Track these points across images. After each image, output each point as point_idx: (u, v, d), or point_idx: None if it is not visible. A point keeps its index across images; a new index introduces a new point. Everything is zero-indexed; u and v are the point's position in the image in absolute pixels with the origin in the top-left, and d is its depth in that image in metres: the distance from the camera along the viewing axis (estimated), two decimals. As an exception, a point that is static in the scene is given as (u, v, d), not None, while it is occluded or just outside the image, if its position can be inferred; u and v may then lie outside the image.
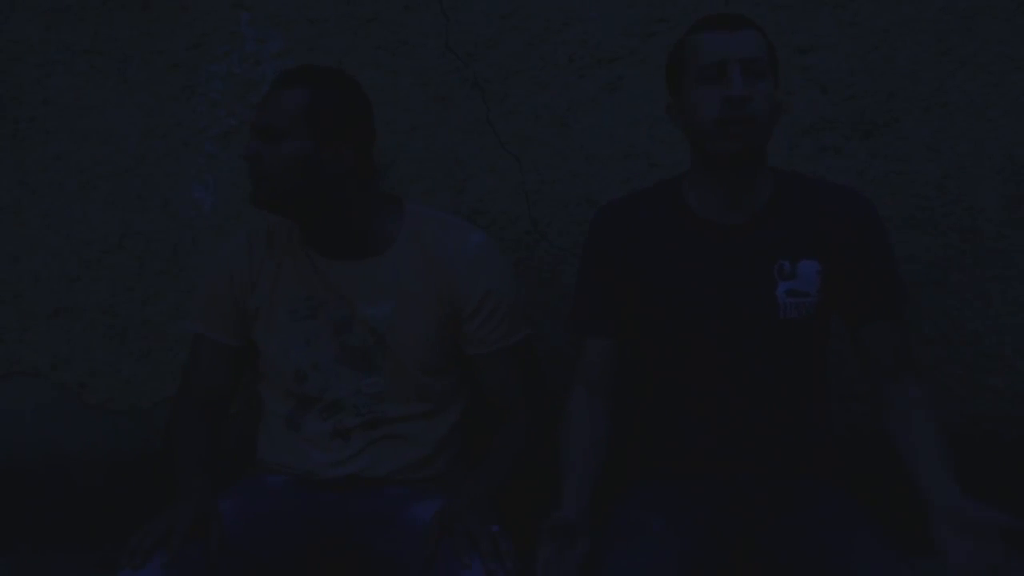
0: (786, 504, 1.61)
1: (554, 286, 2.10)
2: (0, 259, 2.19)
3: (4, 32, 2.16)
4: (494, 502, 1.64)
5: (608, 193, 2.07)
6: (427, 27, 2.09)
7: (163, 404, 2.17)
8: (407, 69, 2.09)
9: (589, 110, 2.07)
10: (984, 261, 2.01)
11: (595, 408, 1.69)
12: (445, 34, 2.09)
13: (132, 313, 2.17)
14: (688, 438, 1.67)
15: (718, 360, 1.64)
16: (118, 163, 2.16)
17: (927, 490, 1.47)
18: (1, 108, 2.17)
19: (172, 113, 2.15)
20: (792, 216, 1.62)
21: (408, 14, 2.09)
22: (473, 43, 2.08)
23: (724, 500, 1.63)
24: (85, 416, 2.19)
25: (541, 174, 2.09)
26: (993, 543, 1.36)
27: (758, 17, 2.00)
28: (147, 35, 2.14)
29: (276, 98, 1.68)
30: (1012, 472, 2.03)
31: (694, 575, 1.49)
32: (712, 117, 1.54)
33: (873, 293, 1.63)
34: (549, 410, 1.80)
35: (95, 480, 2.20)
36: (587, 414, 1.68)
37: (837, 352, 1.84)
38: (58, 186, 2.17)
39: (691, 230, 1.65)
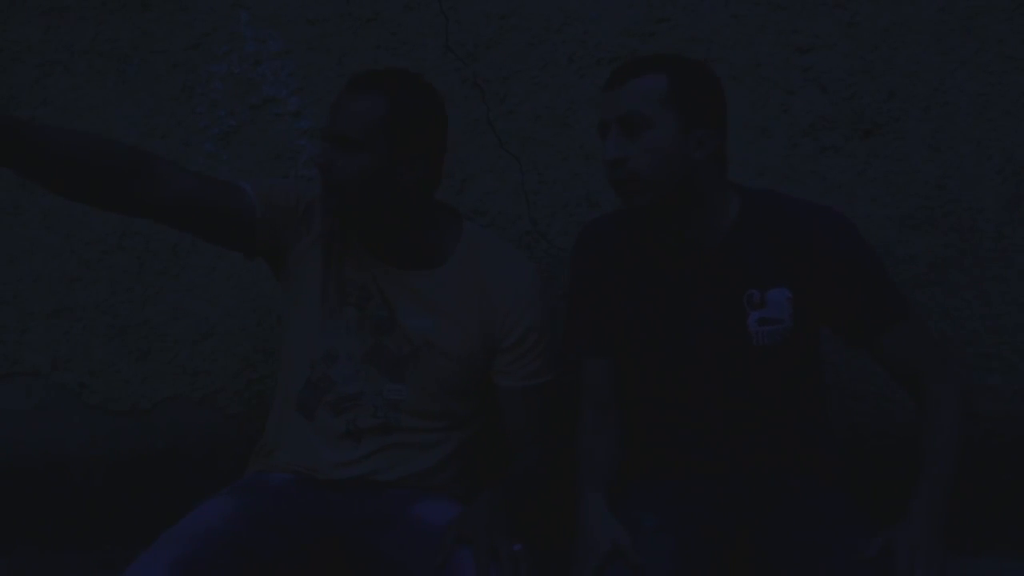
0: (779, 503, 1.62)
1: (554, 286, 2.09)
2: (0, 259, 2.19)
3: (4, 32, 2.16)
4: (512, 518, 1.64)
5: (608, 193, 2.06)
6: (427, 27, 2.09)
7: (163, 404, 2.17)
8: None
9: (589, 110, 2.07)
10: (984, 261, 2.01)
11: (605, 424, 1.68)
12: (445, 34, 2.09)
13: (132, 313, 2.17)
14: (679, 451, 1.67)
15: (698, 385, 1.63)
16: (118, 163, 2.16)
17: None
18: (1, 108, 2.17)
19: (172, 113, 2.15)
20: (759, 243, 1.59)
21: (408, 14, 2.09)
22: (473, 43, 2.08)
23: (717, 499, 1.63)
24: (85, 416, 2.19)
25: (541, 174, 2.09)
26: None
27: (758, 17, 2.02)
28: (147, 35, 2.14)
29: (353, 105, 1.62)
30: (1013, 471, 2.03)
31: (687, 573, 1.49)
32: (607, 176, 1.56)
33: (864, 310, 1.59)
34: (555, 447, 1.80)
35: (95, 480, 2.20)
36: (597, 430, 1.67)
37: (837, 351, 1.84)
38: (58, 186, 2.17)
39: (661, 259, 1.64)
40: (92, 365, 2.19)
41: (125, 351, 2.18)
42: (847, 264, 1.57)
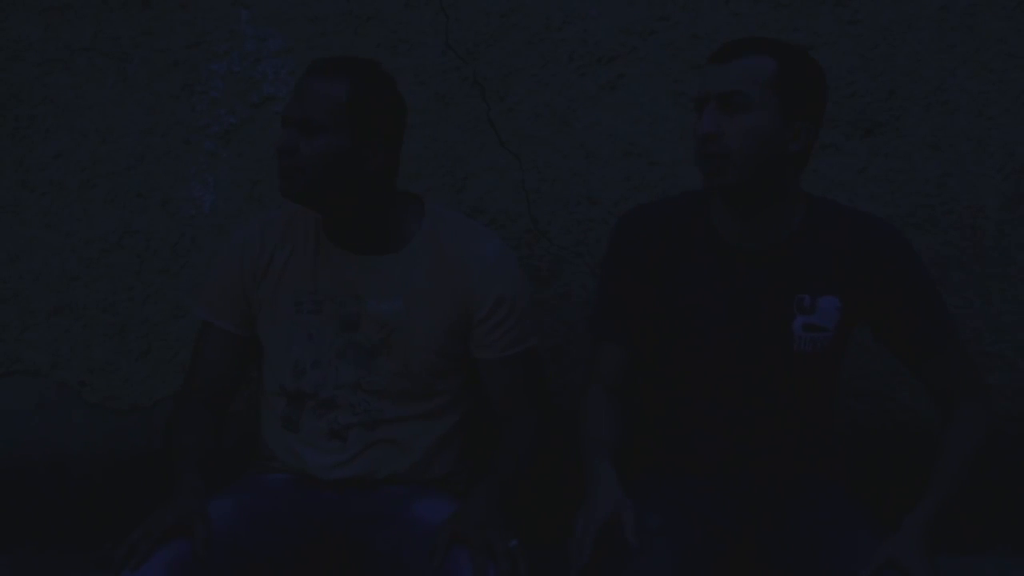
0: (785, 503, 1.61)
1: (554, 285, 2.09)
2: (0, 258, 2.19)
3: (4, 30, 2.16)
4: (506, 510, 1.63)
5: (608, 191, 2.07)
6: (427, 25, 2.09)
7: (163, 402, 2.16)
8: (407, 67, 2.08)
9: (589, 108, 2.07)
10: (984, 259, 2.01)
11: (612, 404, 1.66)
12: (445, 32, 2.09)
13: (132, 312, 2.17)
14: (690, 448, 1.67)
15: (727, 384, 1.62)
16: (118, 161, 2.16)
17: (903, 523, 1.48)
18: (1, 107, 2.17)
19: (172, 111, 2.15)
20: (817, 249, 1.59)
21: (408, 12, 2.09)
22: (473, 41, 2.08)
23: (722, 499, 1.63)
24: (85, 415, 2.19)
25: (541, 172, 2.09)
26: None
27: (759, 15, 2.02)
28: (147, 33, 2.14)
29: (314, 89, 1.65)
30: (1013, 470, 2.03)
31: (691, 573, 1.49)
32: (695, 150, 1.54)
33: (913, 332, 1.60)
34: (552, 415, 1.80)
35: (95, 479, 2.20)
36: (604, 408, 1.65)
37: (838, 350, 1.83)
38: (58, 185, 2.17)
39: (712, 251, 1.62)
40: (92, 363, 2.19)
41: (125, 349, 2.18)
42: (902, 279, 1.58)
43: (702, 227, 1.64)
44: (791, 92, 1.52)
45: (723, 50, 1.55)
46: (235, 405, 1.86)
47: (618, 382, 1.68)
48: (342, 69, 1.66)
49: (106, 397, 2.19)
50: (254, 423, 1.88)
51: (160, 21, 2.14)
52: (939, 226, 2.02)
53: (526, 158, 2.09)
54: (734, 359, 1.61)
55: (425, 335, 1.73)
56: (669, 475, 1.67)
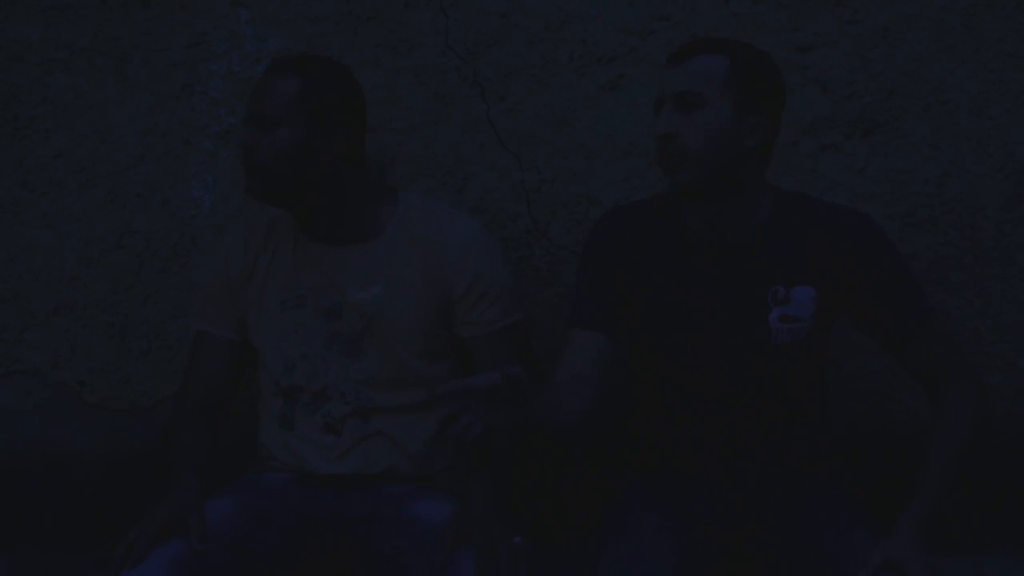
0: (782, 503, 1.62)
1: (554, 285, 2.10)
2: (0, 258, 2.19)
3: (4, 31, 2.16)
4: (505, 495, 1.64)
5: (608, 191, 2.07)
6: (427, 25, 2.09)
7: (163, 402, 2.17)
8: (407, 67, 2.09)
9: (589, 108, 2.07)
10: (984, 259, 2.01)
11: (572, 389, 1.59)
12: (445, 32, 2.09)
13: (132, 312, 2.17)
14: (683, 446, 1.67)
15: (710, 380, 1.63)
16: (118, 161, 2.16)
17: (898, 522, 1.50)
18: (1, 107, 2.17)
19: (172, 111, 2.15)
20: (787, 241, 1.60)
21: (408, 12, 2.10)
22: (473, 41, 2.08)
23: (719, 498, 1.63)
24: (84, 415, 2.19)
25: (541, 172, 2.09)
26: None
27: (758, 16, 2.02)
28: (147, 34, 2.14)
29: (269, 86, 1.71)
30: (1013, 470, 2.03)
31: (688, 572, 1.49)
32: (654, 152, 1.56)
33: (889, 316, 1.60)
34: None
35: (95, 479, 2.20)
36: (558, 386, 1.59)
37: (837, 349, 1.84)
38: (58, 185, 2.17)
39: (685, 250, 1.64)
40: (92, 364, 2.19)
41: (125, 350, 2.18)
42: (877, 265, 1.59)
43: (675, 226, 1.65)
44: (745, 89, 1.54)
45: (678, 52, 1.58)
46: (234, 405, 1.87)
47: (588, 371, 1.62)
48: (295, 65, 1.73)
49: (106, 397, 2.19)
50: (252, 423, 1.88)
51: (160, 21, 2.14)
52: (939, 226, 2.02)
53: (526, 158, 2.09)
54: (715, 356, 1.62)
55: (407, 319, 1.75)
56: (663, 474, 1.67)
